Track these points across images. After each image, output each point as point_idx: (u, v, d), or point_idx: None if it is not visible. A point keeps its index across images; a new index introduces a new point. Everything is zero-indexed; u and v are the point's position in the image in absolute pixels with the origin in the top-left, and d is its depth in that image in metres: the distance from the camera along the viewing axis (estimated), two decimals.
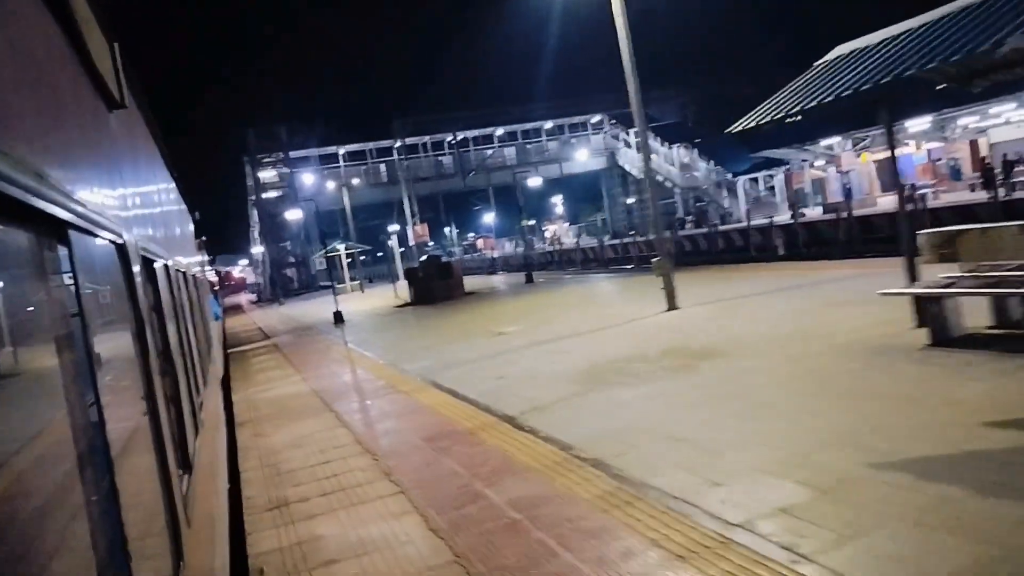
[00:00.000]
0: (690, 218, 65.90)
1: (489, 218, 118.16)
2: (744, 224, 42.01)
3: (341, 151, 70.94)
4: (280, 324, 31.83)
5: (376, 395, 11.59)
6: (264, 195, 69.28)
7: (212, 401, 7.46)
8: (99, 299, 2.17)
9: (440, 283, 28.32)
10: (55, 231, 1.52)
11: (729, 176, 66.68)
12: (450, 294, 28.16)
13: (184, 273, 6.67)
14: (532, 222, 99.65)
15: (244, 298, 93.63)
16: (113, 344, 2.25)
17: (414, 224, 58.46)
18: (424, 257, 31.65)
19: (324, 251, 42.15)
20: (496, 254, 69.59)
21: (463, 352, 14.23)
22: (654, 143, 71.36)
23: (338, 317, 26.72)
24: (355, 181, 63.44)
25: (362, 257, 61.69)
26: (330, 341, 20.88)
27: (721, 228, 45.37)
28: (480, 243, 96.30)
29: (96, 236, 1.99)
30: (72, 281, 1.64)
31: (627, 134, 74.40)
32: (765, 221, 37.04)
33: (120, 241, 2.39)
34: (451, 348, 15.10)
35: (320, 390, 12.95)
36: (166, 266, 4.35)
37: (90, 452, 1.58)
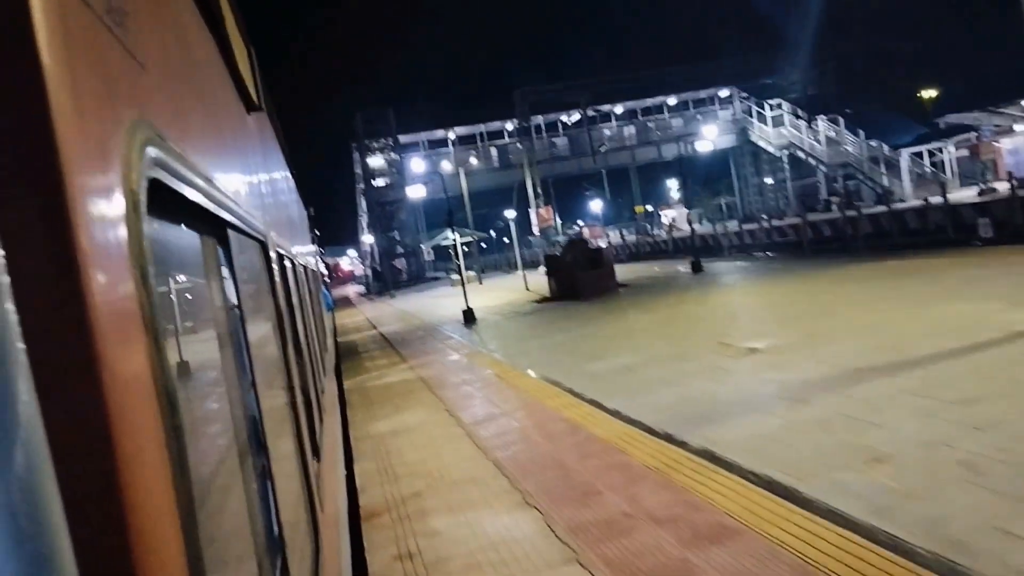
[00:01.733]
0: (835, 199, 58.45)
1: (596, 205, 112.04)
2: (935, 201, 34.85)
3: (451, 135, 66.82)
4: (398, 323, 27.39)
5: (624, 483, 6.43)
6: (373, 182, 65.88)
7: (329, 388, 7.29)
8: (251, 294, 2.13)
9: (588, 273, 23.10)
10: (218, 231, 1.62)
11: (885, 149, 58.29)
12: (601, 287, 22.90)
13: (305, 267, 6.54)
14: (650, 207, 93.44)
15: (352, 290, 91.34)
16: (259, 335, 2.19)
17: (538, 207, 53.27)
18: (567, 241, 26.49)
19: (450, 234, 37.64)
20: (606, 243, 63.99)
21: (703, 382, 8.97)
22: (790, 115, 63.95)
23: (469, 315, 21.99)
24: (472, 161, 58.66)
25: (464, 248, 57.15)
26: (470, 350, 16.00)
27: (897, 207, 38.07)
28: (586, 231, 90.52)
29: (247, 235, 2.07)
30: (231, 277, 1.71)
31: (761, 108, 67.20)
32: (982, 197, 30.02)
33: (262, 239, 2.49)
34: (671, 372, 9.86)
35: (494, 452, 7.94)
36: (292, 261, 4.38)
37: (249, 436, 1.68)
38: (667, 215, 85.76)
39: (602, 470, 6.53)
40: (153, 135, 0.90)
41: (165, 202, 0.97)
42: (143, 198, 0.79)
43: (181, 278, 1.32)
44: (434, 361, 15.28)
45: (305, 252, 8.17)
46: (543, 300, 24.46)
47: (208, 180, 1.37)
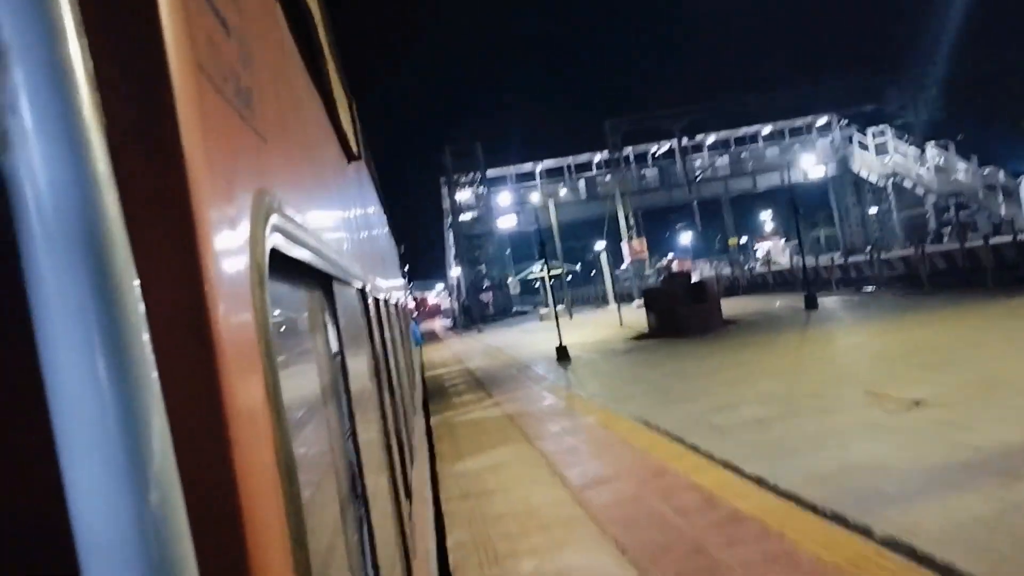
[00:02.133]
0: (947, 230, 54.83)
1: (685, 237, 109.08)
2: None
3: (538, 168, 66.27)
4: (486, 359, 26.33)
5: None
6: (460, 216, 65.74)
7: (418, 427, 7.11)
8: (351, 339, 2.20)
9: (691, 308, 21.52)
10: (323, 284, 1.74)
11: (1002, 176, 54.19)
12: (706, 323, 21.27)
13: (396, 304, 6.56)
14: (744, 239, 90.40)
15: (438, 324, 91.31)
16: (358, 377, 2.22)
17: (630, 239, 51.77)
18: (665, 274, 25.08)
19: (537, 267, 36.76)
20: (699, 275, 61.81)
21: (864, 443, 7.42)
22: (896, 141, 60.60)
23: (562, 353, 20.71)
24: (561, 192, 57.46)
25: (550, 281, 55.82)
26: (566, 392, 14.71)
27: None
28: (676, 265, 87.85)
29: (348, 284, 2.19)
30: (334, 325, 1.81)
31: (863, 134, 64.02)
32: None
33: (360, 285, 2.62)
34: (818, 428, 8.33)
35: (613, 526, 6.61)
36: (386, 301, 4.53)
37: (349, 476, 1.75)
38: (762, 247, 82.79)
39: (761, 563, 5.13)
40: (273, 204, 0.97)
41: (281, 263, 1.03)
42: (266, 264, 0.86)
43: (291, 328, 1.34)
44: (529, 405, 14.04)
45: (396, 289, 8.35)
46: (641, 337, 22.95)
47: (317, 238, 1.46)
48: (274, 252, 0.94)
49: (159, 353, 0.51)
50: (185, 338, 0.63)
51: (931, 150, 57.88)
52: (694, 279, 24.75)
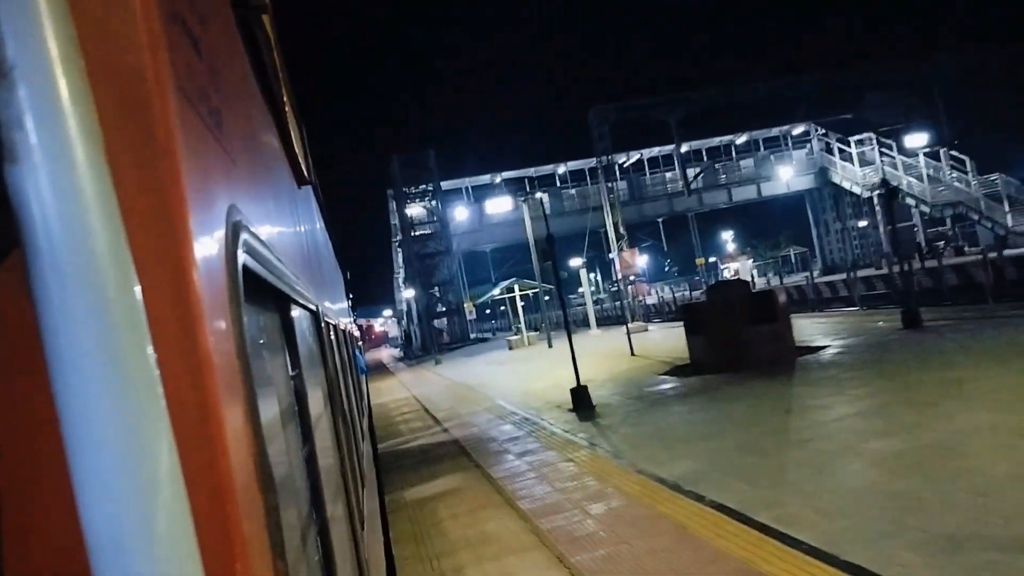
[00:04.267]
0: (941, 244, 50.49)
1: (642, 260, 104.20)
2: None
3: (497, 179, 60.05)
4: (462, 405, 19.57)
5: None
6: (412, 232, 58.84)
7: (366, 453, 7.32)
8: (307, 363, 2.22)
9: (759, 330, 15.14)
10: (283, 306, 1.72)
11: (1001, 183, 49.51)
12: (778, 353, 14.92)
13: (345, 331, 6.82)
14: (712, 259, 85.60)
15: (385, 353, 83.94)
16: (313, 399, 2.21)
17: (620, 249, 45.60)
18: (715, 282, 18.75)
19: (502, 286, 30.69)
20: (651, 300, 57.11)
21: None
22: (881, 151, 55.92)
23: (581, 397, 14.19)
24: (524, 207, 50.95)
25: (522, 304, 49.39)
26: (639, 486, 8.10)
27: None
28: (631, 289, 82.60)
29: (304, 308, 2.21)
30: (292, 347, 1.80)
31: (846, 144, 59.10)
32: None
33: (314, 308, 2.63)
34: None
35: None
36: (335, 326, 4.61)
37: (309, 507, 1.69)
38: (730, 267, 78.05)
39: None
40: (243, 221, 1.00)
41: (247, 281, 1.05)
42: (240, 280, 0.89)
43: (254, 347, 1.34)
44: (566, 506, 7.39)
45: (344, 316, 8.07)
46: (680, 371, 16.49)
47: (278, 259, 1.48)
48: (243, 269, 0.96)
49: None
50: (175, 348, 0.65)
51: (922, 159, 53.40)
52: (758, 290, 18.45)
